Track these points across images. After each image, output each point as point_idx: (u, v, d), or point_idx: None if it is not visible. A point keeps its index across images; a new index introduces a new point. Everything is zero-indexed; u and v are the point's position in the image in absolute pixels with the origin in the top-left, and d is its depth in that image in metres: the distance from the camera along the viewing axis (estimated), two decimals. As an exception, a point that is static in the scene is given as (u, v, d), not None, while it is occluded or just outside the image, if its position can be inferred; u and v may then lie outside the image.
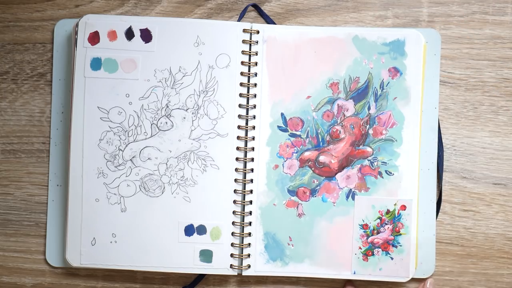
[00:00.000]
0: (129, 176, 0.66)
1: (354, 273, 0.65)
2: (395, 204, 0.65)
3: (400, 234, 0.65)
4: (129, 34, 0.65)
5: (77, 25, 0.65)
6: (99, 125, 0.65)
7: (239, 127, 0.66)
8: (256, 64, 0.66)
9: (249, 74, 0.66)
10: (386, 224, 0.65)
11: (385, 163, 0.65)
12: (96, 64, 0.65)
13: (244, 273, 0.66)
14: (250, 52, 0.66)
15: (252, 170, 0.66)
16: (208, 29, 0.65)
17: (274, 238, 0.66)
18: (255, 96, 0.66)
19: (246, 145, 0.66)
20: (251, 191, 0.66)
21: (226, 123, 0.66)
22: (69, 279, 0.68)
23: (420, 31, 0.66)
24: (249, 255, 0.66)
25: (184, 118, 0.65)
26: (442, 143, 0.67)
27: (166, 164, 0.65)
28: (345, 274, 0.65)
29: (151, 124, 0.65)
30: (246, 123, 0.66)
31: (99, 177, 0.65)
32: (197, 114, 0.65)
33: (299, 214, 0.66)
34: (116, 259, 0.65)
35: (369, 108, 0.65)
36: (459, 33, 0.68)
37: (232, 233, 0.66)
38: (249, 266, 0.66)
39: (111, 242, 0.65)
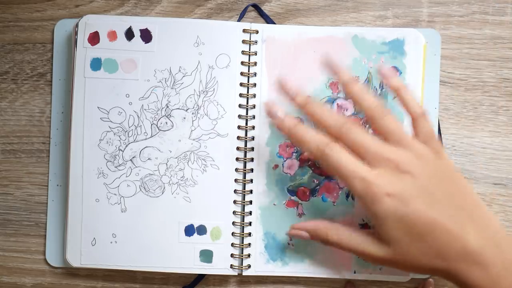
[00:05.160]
0: (129, 176, 0.65)
1: (355, 272, 0.65)
2: (395, 204, 0.65)
3: (400, 234, 0.65)
4: (129, 34, 0.65)
5: (77, 25, 0.65)
6: (99, 125, 0.65)
7: (239, 127, 0.66)
8: (255, 64, 0.66)
9: (249, 74, 0.66)
10: (386, 223, 0.65)
11: (385, 162, 0.65)
12: (96, 64, 0.65)
13: (245, 273, 0.66)
14: (249, 52, 0.66)
15: (252, 170, 0.66)
16: (208, 29, 0.65)
17: (274, 238, 0.66)
18: (254, 96, 0.66)
19: (246, 145, 0.66)
20: (251, 191, 0.66)
21: (226, 123, 0.65)
22: (69, 279, 0.68)
23: (420, 31, 0.66)
24: (249, 255, 0.66)
25: (184, 118, 0.65)
26: (442, 143, 0.67)
27: (166, 164, 0.65)
28: (346, 274, 0.65)
29: (151, 124, 0.65)
30: (246, 123, 0.66)
31: (99, 177, 0.65)
32: (197, 114, 0.65)
33: (299, 214, 0.65)
34: (116, 259, 0.65)
35: (368, 108, 0.65)
36: (459, 33, 0.68)
37: (232, 233, 0.66)
38: (249, 266, 0.66)
39: (111, 242, 0.65)
